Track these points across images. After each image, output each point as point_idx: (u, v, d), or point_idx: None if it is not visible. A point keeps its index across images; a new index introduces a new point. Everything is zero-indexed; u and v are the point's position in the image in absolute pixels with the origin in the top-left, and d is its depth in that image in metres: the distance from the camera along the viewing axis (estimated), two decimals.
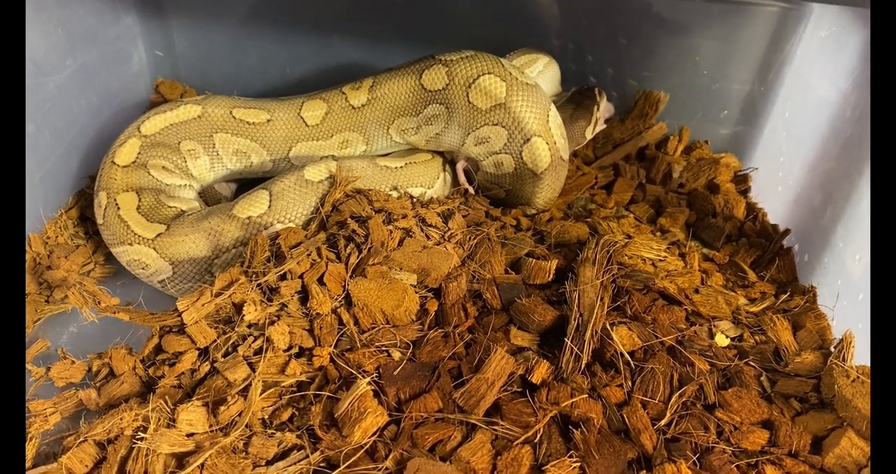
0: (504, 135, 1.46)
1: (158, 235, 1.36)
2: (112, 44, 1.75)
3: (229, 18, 1.86)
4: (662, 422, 1.14)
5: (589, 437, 1.08)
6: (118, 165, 1.47)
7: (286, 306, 1.22)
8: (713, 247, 1.61)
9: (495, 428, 1.09)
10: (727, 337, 1.33)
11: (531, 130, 1.45)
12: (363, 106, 1.55)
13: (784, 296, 1.44)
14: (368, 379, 1.12)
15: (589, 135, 1.68)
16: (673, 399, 1.16)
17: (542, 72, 1.68)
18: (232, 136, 1.55)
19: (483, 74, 1.44)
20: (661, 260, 1.50)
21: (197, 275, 1.37)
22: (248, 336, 1.19)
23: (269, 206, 1.37)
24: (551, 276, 1.35)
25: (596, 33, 1.83)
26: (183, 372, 1.18)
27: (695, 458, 1.09)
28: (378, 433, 1.08)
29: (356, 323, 1.21)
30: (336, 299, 1.23)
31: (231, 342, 1.19)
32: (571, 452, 1.07)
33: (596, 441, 1.07)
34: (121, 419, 1.10)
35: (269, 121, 1.56)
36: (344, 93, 1.57)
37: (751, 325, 1.36)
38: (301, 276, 1.24)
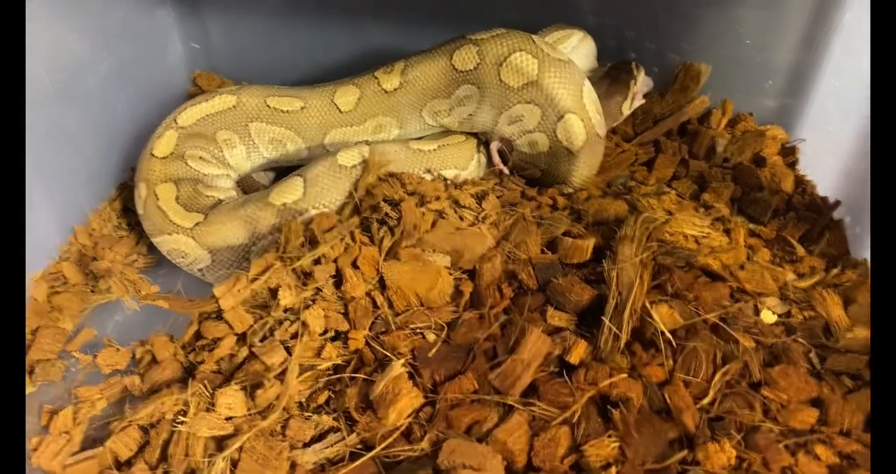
0: (537, 113, 1.44)
1: (197, 224, 1.38)
2: (147, 37, 1.78)
3: (263, 8, 1.87)
4: (705, 401, 1.10)
5: (628, 417, 1.05)
6: (156, 157, 1.49)
7: (321, 290, 1.22)
8: (759, 221, 1.56)
9: (532, 408, 1.08)
10: (774, 313, 1.29)
11: (565, 107, 1.42)
12: (395, 90, 1.54)
13: (835, 271, 1.39)
14: (403, 361, 1.12)
15: (626, 110, 1.64)
16: (716, 377, 1.13)
17: (577, 47, 1.64)
18: (267, 125, 1.56)
19: (514, 52, 1.42)
20: (704, 236, 1.46)
21: (235, 262, 1.39)
22: (285, 320, 1.20)
23: (304, 193, 1.38)
24: (589, 255, 1.32)
25: (634, 8, 1.78)
26: (222, 358, 1.20)
27: (739, 438, 1.05)
28: (413, 414, 1.08)
29: (391, 305, 1.21)
30: (370, 282, 1.22)
31: (268, 327, 1.20)
32: (610, 432, 1.05)
33: (635, 420, 1.05)
34: (162, 404, 1.12)
35: (303, 108, 1.56)
36: (376, 77, 1.56)
37: (799, 301, 1.31)
38: (335, 260, 1.24)
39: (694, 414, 1.08)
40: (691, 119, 1.81)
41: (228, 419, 1.10)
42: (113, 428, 1.13)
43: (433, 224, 1.29)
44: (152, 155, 1.49)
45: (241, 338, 1.22)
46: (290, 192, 1.38)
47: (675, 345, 1.17)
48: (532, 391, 1.11)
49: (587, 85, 1.45)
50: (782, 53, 1.72)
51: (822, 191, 1.62)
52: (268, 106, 1.55)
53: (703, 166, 1.71)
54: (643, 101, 1.72)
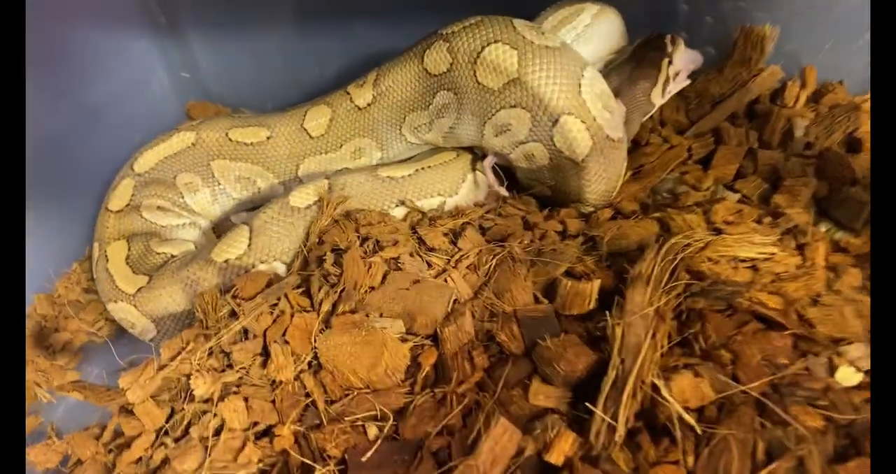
0: (527, 118, 1.13)
1: (139, 290, 1.20)
2: (127, 73, 1.62)
3: (250, 28, 1.67)
4: None
5: None
6: (111, 211, 1.33)
7: (248, 374, 0.99)
8: (850, 228, 1.17)
9: None
10: (858, 370, 0.92)
11: (558, 107, 1.10)
12: (369, 105, 1.29)
13: None
14: (320, 471, 0.86)
15: (658, 98, 1.29)
16: None
17: (591, 25, 1.30)
18: (231, 162, 1.35)
19: (488, 44, 1.12)
20: (766, 259, 1.09)
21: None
22: (206, 413, 0.98)
23: (249, 245, 1.15)
24: (593, 303, 1.01)
25: None
26: (139, 459, 1.00)
27: None
28: None
29: (325, 390, 0.96)
30: (302, 361, 0.98)
31: (186, 421, 0.99)
32: None
33: None
34: None
35: (269, 138, 1.34)
36: (348, 93, 1.32)
37: None
38: (264, 334, 1.01)
39: None
40: (760, 97, 1.42)
41: None
42: None
43: (384, 278, 1.03)
44: (107, 209, 1.33)
45: (163, 434, 1.01)
46: (234, 246, 1.16)
47: (699, 432, 0.84)
48: None
49: (589, 74, 1.12)
50: None
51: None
52: (229, 139, 1.35)
53: (778, 157, 1.32)
54: (687, 82, 1.35)
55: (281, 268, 1.15)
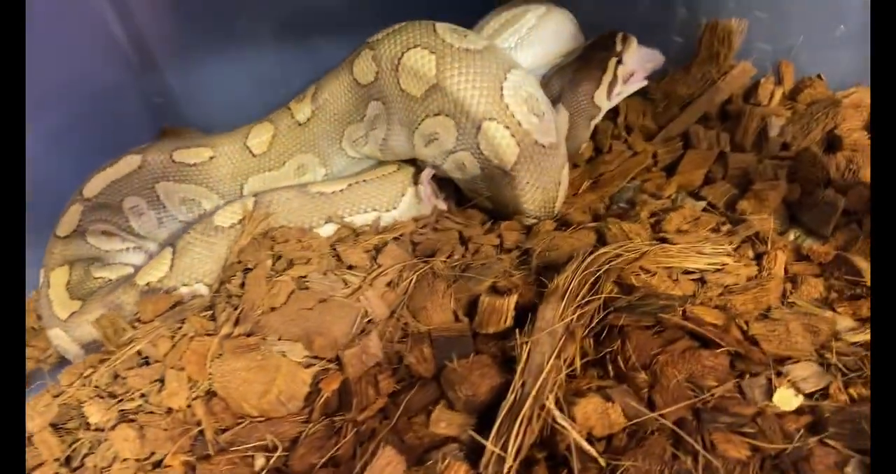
0: (451, 125, 1.06)
1: (70, 315, 1.17)
2: (97, 97, 1.63)
3: (217, 52, 1.67)
4: None
5: None
6: (59, 237, 1.31)
7: (146, 400, 0.94)
8: (819, 234, 1.05)
9: None
10: (798, 393, 0.81)
11: (479, 112, 1.03)
12: (309, 120, 1.25)
13: None
14: None
15: (604, 101, 1.20)
16: None
17: (536, 27, 1.23)
18: (175, 184, 1.32)
19: (408, 49, 1.06)
20: (717, 269, 0.99)
21: None
22: (104, 441, 0.94)
23: (171, 267, 1.11)
24: (509, 320, 0.93)
25: None
26: None
27: None
28: None
29: (216, 418, 0.90)
30: (197, 387, 0.92)
31: (84, 450, 0.95)
32: None
33: None
34: None
35: (212, 158, 1.31)
36: (289, 108, 1.28)
37: (849, 369, 0.82)
38: (164, 360, 0.96)
39: None
40: (732, 96, 1.31)
41: None
42: None
43: (288, 297, 0.97)
44: (55, 235, 1.32)
45: (65, 465, 0.97)
46: (156, 268, 1.12)
47: (602, 464, 0.74)
48: None
49: (514, 77, 1.04)
50: None
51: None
52: (173, 161, 1.32)
53: (750, 160, 1.22)
54: (643, 84, 1.25)
55: (203, 290, 1.11)
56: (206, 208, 1.35)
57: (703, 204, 1.18)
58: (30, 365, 1.33)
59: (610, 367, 0.84)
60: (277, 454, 0.85)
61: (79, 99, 1.59)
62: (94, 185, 1.35)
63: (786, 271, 0.99)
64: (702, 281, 0.98)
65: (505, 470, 0.76)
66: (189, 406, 0.91)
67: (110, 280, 1.24)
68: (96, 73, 1.63)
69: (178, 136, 1.70)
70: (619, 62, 1.18)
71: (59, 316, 1.18)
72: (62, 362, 1.32)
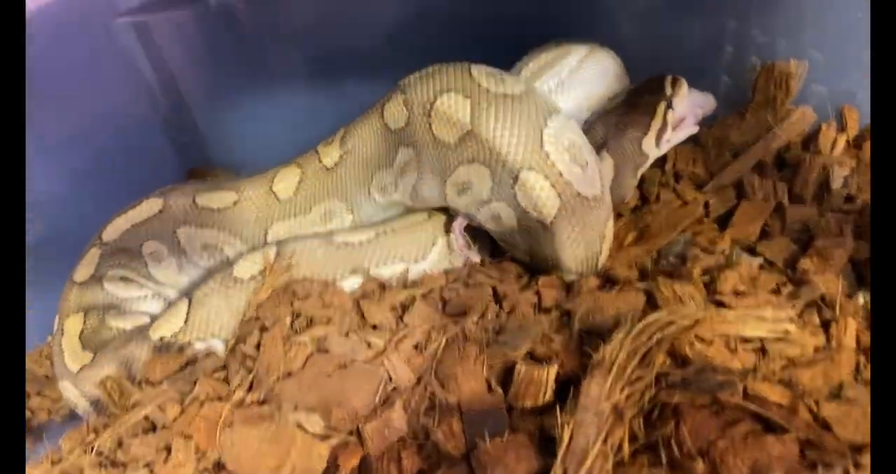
0: (486, 174, 0.99)
1: (81, 368, 1.11)
2: (124, 137, 1.59)
3: (245, 92, 1.63)
4: None
5: None
6: (76, 283, 1.26)
7: (151, 469, 0.87)
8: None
9: None
10: None
11: (517, 162, 0.95)
12: (336, 165, 1.19)
13: None
14: None
15: (652, 148, 1.11)
16: None
17: (578, 70, 1.16)
18: (197, 229, 1.27)
19: (441, 94, 1.00)
20: (778, 339, 0.89)
21: None
22: None
23: (187, 320, 1.05)
24: (549, 394, 0.84)
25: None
26: None
27: None
28: None
29: None
30: (206, 458, 0.85)
31: None
32: None
33: None
34: None
35: (236, 203, 1.25)
36: (317, 152, 1.22)
37: None
38: (172, 426, 0.89)
39: None
40: (790, 144, 1.22)
41: None
42: None
43: (306, 361, 0.89)
44: (72, 280, 1.27)
45: None
46: (170, 321, 1.06)
47: None
48: None
49: (555, 123, 0.97)
50: None
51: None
52: (196, 205, 1.26)
53: (810, 213, 1.12)
54: (694, 130, 1.17)
55: (219, 346, 1.04)
56: (229, 255, 1.28)
57: (759, 260, 1.08)
58: (42, 417, 1.28)
59: (663, 453, 0.75)
60: None
61: (105, 138, 1.56)
62: (115, 229, 1.30)
63: (857, 341, 0.89)
64: (762, 351, 0.88)
65: None
66: None
67: (125, 330, 1.18)
68: (124, 111, 1.61)
69: (204, 177, 1.66)
70: (669, 107, 1.10)
71: (69, 368, 1.13)
72: (74, 415, 1.26)
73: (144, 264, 1.29)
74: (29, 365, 1.36)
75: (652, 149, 1.11)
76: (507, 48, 1.25)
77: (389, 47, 1.51)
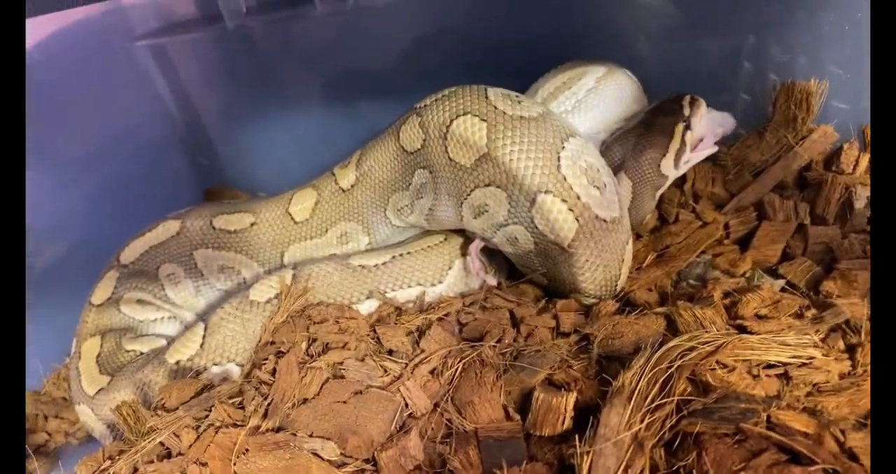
0: (503, 197, 0.98)
1: (98, 392, 1.11)
2: (142, 159, 1.60)
3: (260, 114, 1.64)
4: None
5: None
6: (93, 305, 1.26)
7: None
8: None
9: None
10: None
11: (534, 185, 0.94)
12: (353, 187, 1.19)
13: None
14: None
15: (671, 169, 1.10)
16: None
17: (595, 90, 1.15)
18: (214, 251, 1.27)
19: (457, 116, 0.99)
20: (802, 364, 0.87)
21: None
22: None
23: (202, 345, 1.05)
24: (568, 422, 0.82)
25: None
26: None
27: None
28: None
29: None
30: None
31: None
32: None
33: None
34: None
35: (253, 225, 1.25)
36: (333, 174, 1.22)
37: None
38: (188, 453, 0.88)
39: None
40: (812, 163, 1.20)
41: None
42: None
43: (321, 388, 0.88)
44: (90, 303, 1.27)
45: None
46: (186, 345, 1.06)
47: None
48: None
49: (572, 146, 0.96)
50: None
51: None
52: (213, 228, 1.27)
53: (833, 234, 1.10)
54: (713, 150, 1.16)
55: (235, 370, 1.04)
56: (245, 277, 1.28)
57: (781, 283, 1.06)
58: (59, 440, 1.28)
59: None
60: None
61: (123, 159, 1.57)
62: (132, 251, 1.30)
63: None
64: (786, 377, 0.86)
65: None
66: None
67: (142, 353, 1.17)
68: (141, 133, 1.61)
69: (221, 198, 1.66)
70: (688, 127, 1.09)
71: (86, 391, 1.12)
72: (91, 438, 1.26)
73: (161, 286, 1.29)
74: (47, 388, 1.36)
75: (671, 171, 1.10)
76: (520, 70, 1.25)
77: (404, 69, 1.51)
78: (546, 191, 0.94)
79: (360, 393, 0.87)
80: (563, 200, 0.94)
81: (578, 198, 0.94)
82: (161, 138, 1.65)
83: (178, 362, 1.04)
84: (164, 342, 1.22)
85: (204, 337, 1.05)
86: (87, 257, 1.43)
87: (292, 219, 1.23)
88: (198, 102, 1.63)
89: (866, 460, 0.75)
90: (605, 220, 0.96)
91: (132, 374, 1.09)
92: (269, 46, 1.53)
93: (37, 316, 1.30)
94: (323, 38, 1.50)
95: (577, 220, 0.95)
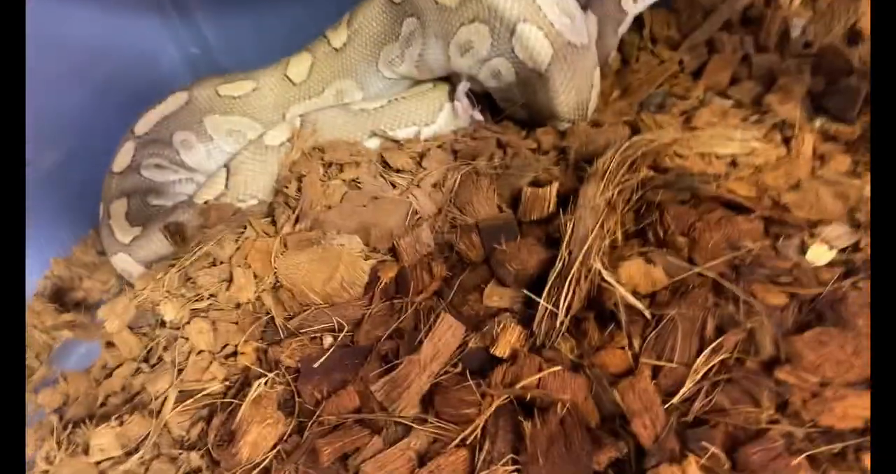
0: (486, 32, 1.11)
1: (133, 239, 1.24)
2: (136, 50, 1.70)
3: (250, 3, 1.72)
4: (678, 397, 0.73)
5: (540, 432, 0.72)
6: (115, 173, 1.38)
7: (215, 298, 1.01)
8: (845, 119, 1.08)
9: (425, 427, 0.78)
10: (831, 248, 0.85)
11: (513, 15, 1.07)
12: (345, 45, 1.30)
13: None
14: (270, 378, 0.87)
15: (631, 6, 1.24)
16: (700, 358, 0.75)
17: None
18: (221, 116, 1.39)
19: None
20: (747, 153, 1.03)
21: None
22: (178, 338, 1.01)
23: (227, 185, 1.18)
24: (552, 207, 0.98)
25: None
26: (123, 387, 1.04)
27: (722, 452, 0.67)
28: (276, 446, 0.83)
29: (284, 307, 0.97)
30: (263, 282, 0.99)
31: (161, 347, 1.02)
32: (511, 457, 0.72)
33: (548, 437, 0.71)
34: (42, 449, 0.98)
35: (255, 89, 1.37)
36: (326, 36, 1.34)
37: None
38: (230, 260, 1.03)
39: (655, 417, 0.71)
40: (754, 1, 1.34)
41: (98, 463, 0.92)
42: None
43: (342, 197, 1.03)
44: (111, 171, 1.39)
45: (142, 361, 1.05)
46: (212, 187, 1.19)
47: (647, 316, 0.80)
48: (431, 402, 0.81)
49: None
50: None
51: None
52: (219, 95, 1.38)
53: (774, 59, 1.25)
54: None
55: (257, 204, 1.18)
56: (251, 138, 1.41)
57: (730, 102, 1.22)
58: (94, 296, 1.41)
59: (650, 236, 0.90)
60: (343, 333, 0.92)
61: (123, 51, 1.66)
62: (145, 123, 1.42)
63: (814, 151, 1.04)
64: (733, 163, 1.03)
65: (557, 325, 0.82)
66: (258, 298, 0.98)
67: (166, 206, 1.31)
68: (139, 26, 1.70)
69: None
70: None
71: (121, 241, 1.25)
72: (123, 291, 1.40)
73: (176, 152, 1.41)
74: (77, 254, 1.49)
75: (630, 7, 1.24)
76: None
77: None
78: (524, 21, 1.07)
79: (377, 199, 1.02)
80: (539, 27, 1.07)
81: (552, 25, 1.08)
82: (155, 35, 1.74)
83: (206, 201, 1.18)
84: (185, 197, 1.35)
85: (227, 178, 1.18)
86: (97, 140, 1.54)
87: (291, 81, 1.35)
88: None
89: (797, 211, 0.92)
90: (575, 46, 1.10)
91: (162, 219, 1.22)
92: None
93: (56, 193, 1.43)
94: None
95: (552, 46, 1.08)
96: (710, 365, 0.74)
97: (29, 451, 1.08)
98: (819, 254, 0.85)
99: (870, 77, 1.05)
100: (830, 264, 0.84)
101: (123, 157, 1.40)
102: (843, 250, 0.86)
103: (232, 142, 1.41)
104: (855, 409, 0.68)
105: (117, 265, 1.29)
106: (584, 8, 1.21)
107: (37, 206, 1.44)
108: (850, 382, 0.70)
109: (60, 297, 1.38)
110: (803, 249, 0.86)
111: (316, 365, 0.88)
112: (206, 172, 1.45)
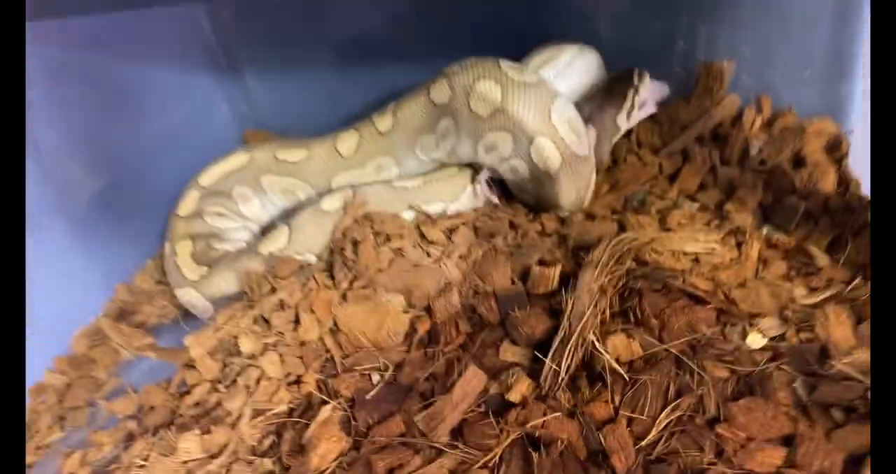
0: (509, 139, 1.40)
1: (201, 277, 1.49)
2: (194, 105, 1.96)
3: (296, 67, 2.01)
4: (646, 441, 1.00)
5: (545, 461, 0.99)
6: (180, 216, 1.63)
7: (283, 335, 1.27)
8: (785, 230, 1.39)
9: (455, 451, 1.04)
10: (764, 337, 1.14)
11: (532, 130, 1.36)
12: (389, 131, 1.57)
13: (857, 282, 1.20)
14: (333, 405, 1.13)
15: (623, 122, 1.54)
16: (663, 414, 1.02)
17: (570, 64, 1.57)
18: (277, 177, 1.65)
19: (478, 80, 1.39)
20: (707, 253, 1.33)
21: None
22: (251, 366, 1.26)
23: (289, 240, 1.44)
24: (555, 284, 1.26)
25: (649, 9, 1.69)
26: (196, 403, 1.28)
27: None
28: (338, 459, 1.08)
29: (340, 348, 1.23)
30: (324, 326, 1.25)
31: (235, 372, 1.27)
32: None
33: (551, 466, 0.98)
34: (134, 449, 1.22)
35: (308, 157, 1.63)
36: (373, 121, 1.60)
37: (800, 322, 1.15)
38: (296, 306, 1.28)
39: (628, 455, 0.99)
40: (722, 121, 1.65)
41: (185, 463, 1.17)
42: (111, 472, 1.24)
43: (390, 262, 1.30)
44: (177, 215, 1.64)
45: (218, 383, 1.30)
46: (276, 241, 1.44)
47: (626, 379, 1.08)
48: (461, 432, 1.08)
49: (558, 104, 1.38)
50: (818, 36, 1.52)
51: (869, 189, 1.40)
52: (276, 159, 1.65)
53: (734, 173, 1.55)
54: (654, 111, 1.60)
55: (313, 259, 1.43)
56: (301, 197, 1.68)
57: (697, 205, 1.51)
58: (153, 320, 1.65)
59: (631, 317, 1.17)
60: (388, 372, 1.18)
61: (182, 106, 1.92)
62: (209, 176, 1.67)
63: (759, 255, 1.33)
64: (697, 260, 1.32)
65: (558, 381, 1.09)
66: (319, 338, 1.24)
67: (229, 251, 1.56)
68: (197, 84, 1.96)
69: (258, 139, 2.03)
70: (636, 92, 1.52)
71: (189, 278, 1.50)
72: (183, 317, 1.64)
73: (235, 203, 1.67)
74: (137, 282, 1.73)
75: (623, 123, 1.54)
76: (507, 46, 1.64)
77: (413, 39, 1.89)
78: (541, 135, 1.36)
79: (417, 265, 1.29)
80: (552, 141, 1.36)
81: (563, 140, 1.37)
82: (211, 87, 2.00)
83: (270, 253, 1.44)
84: (244, 244, 1.61)
85: (290, 234, 1.44)
86: (158, 183, 1.79)
87: (339, 154, 1.62)
88: (242, 56, 1.99)
89: (742, 305, 1.20)
90: (579, 156, 1.40)
91: (230, 263, 1.47)
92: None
93: (123, 228, 1.67)
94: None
95: (562, 156, 1.37)
96: (669, 419, 1.02)
97: (106, 449, 1.32)
98: (755, 341, 1.14)
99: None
100: (762, 349, 1.12)
101: (189, 204, 1.65)
102: (773, 339, 1.14)
103: (284, 198, 1.68)
104: (770, 458, 0.95)
105: (182, 297, 1.54)
106: (586, 122, 1.50)
107: (105, 236, 1.68)
108: (768, 439, 0.98)
109: (125, 318, 1.62)
110: (744, 335, 1.15)
111: (368, 396, 1.14)
112: (257, 222, 1.71)
